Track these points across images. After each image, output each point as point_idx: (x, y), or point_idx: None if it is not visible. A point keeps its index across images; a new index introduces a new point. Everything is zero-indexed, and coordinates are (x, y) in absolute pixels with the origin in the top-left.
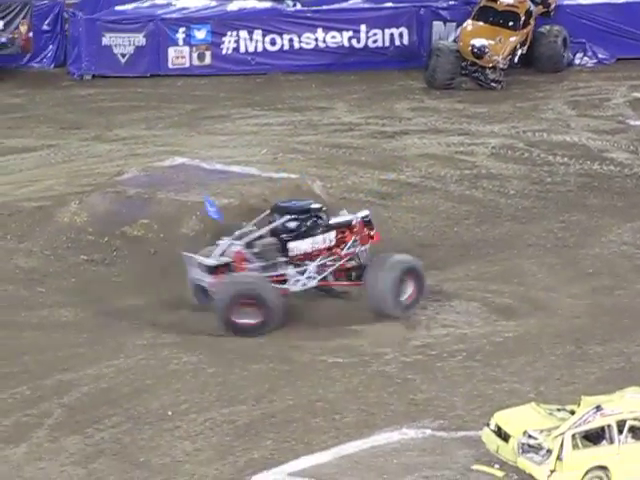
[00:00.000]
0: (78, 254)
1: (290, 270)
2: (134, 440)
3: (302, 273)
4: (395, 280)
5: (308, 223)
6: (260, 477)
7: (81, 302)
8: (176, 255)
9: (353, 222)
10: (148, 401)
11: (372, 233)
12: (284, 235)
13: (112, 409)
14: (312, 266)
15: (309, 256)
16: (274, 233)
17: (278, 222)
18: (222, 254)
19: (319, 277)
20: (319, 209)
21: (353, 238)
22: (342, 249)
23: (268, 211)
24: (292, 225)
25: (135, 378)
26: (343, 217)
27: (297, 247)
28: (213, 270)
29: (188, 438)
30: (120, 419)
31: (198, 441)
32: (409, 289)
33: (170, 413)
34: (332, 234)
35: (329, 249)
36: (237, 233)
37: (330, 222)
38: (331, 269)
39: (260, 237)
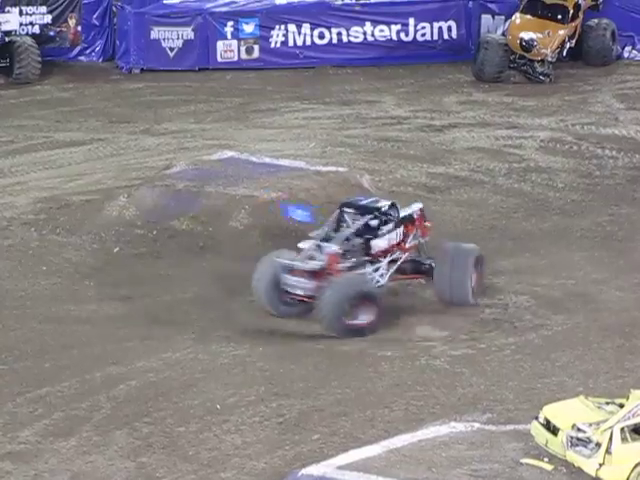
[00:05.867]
0: (127, 248)
1: (368, 268)
2: (183, 434)
3: (376, 270)
4: (470, 267)
5: (384, 220)
6: (309, 470)
7: (129, 296)
8: (224, 249)
9: (414, 215)
10: (197, 395)
11: (428, 224)
12: (367, 234)
13: (161, 403)
14: (384, 263)
15: (384, 253)
16: (358, 232)
17: (362, 221)
18: (310, 257)
19: (389, 273)
20: (392, 205)
21: (415, 231)
22: (406, 243)
23: (337, 211)
24: (374, 223)
25: (184, 372)
26: (404, 211)
27: (377, 245)
28: (313, 275)
29: (237, 432)
30: (169, 413)
31: (247, 435)
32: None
33: (219, 407)
34: (401, 229)
35: (398, 244)
36: (316, 234)
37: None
38: (399, 263)
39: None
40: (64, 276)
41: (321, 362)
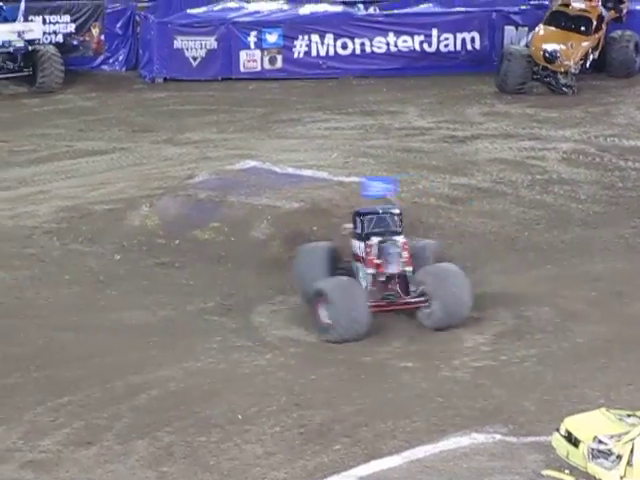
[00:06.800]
0: (149, 257)
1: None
2: (204, 443)
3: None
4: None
5: None
6: None
7: (151, 305)
8: (246, 259)
9: None
10: (218, 404)
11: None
12: None
13: (182, 412)
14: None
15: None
16: None
17: None
18: None
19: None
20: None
21: None
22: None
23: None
24: None
25: (205, 381)
26: None
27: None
28: None
29: (258, 441)
30: (190, 422)
31: (268, 444)
32: None
33: (240, 416)
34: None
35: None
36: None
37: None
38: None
39: None
40: (86, 285)
41: (342, 373)
